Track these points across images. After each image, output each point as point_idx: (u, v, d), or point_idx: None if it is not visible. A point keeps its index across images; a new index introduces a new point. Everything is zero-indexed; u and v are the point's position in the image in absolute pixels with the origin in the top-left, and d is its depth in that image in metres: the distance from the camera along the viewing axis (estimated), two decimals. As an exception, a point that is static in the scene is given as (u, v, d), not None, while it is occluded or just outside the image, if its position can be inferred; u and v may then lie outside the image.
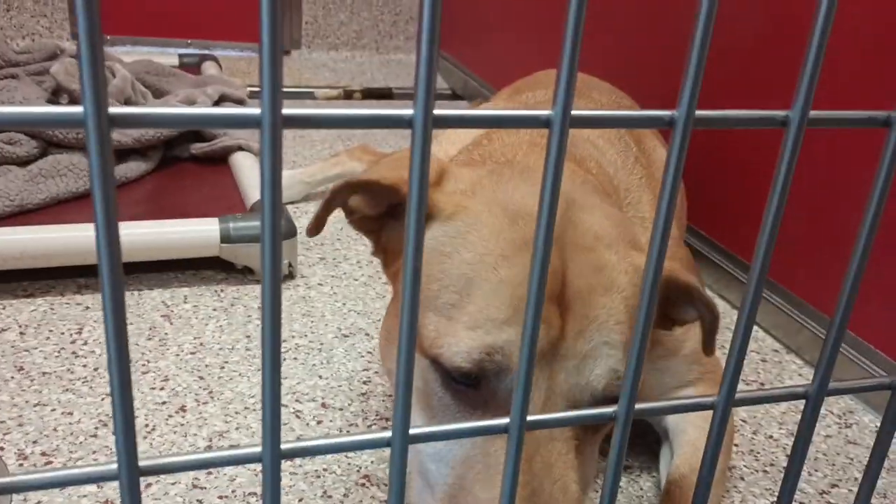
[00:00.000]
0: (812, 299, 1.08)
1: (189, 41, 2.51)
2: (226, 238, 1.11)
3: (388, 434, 0.34)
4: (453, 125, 0.32)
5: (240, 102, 1.63)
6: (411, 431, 0.33)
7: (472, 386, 0.52)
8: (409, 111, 0.30)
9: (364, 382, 0.95)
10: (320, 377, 0.95)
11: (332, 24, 2.64)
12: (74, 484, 0.32)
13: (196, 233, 1.12)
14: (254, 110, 0.28)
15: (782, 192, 0.36)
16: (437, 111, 0.31)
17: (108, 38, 2.43)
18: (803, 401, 0.42)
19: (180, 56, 2.11)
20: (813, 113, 0.37)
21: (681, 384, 0.80)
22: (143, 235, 1.09)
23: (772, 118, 0.37)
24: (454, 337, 0.51)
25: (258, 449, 0.35)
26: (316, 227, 0.62)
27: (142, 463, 0.31)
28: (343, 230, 1.37)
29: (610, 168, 0.77)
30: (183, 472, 0.32)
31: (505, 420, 0.34)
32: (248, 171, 1.35)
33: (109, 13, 2.41)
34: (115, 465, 0.32)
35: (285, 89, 2.48)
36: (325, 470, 0.80)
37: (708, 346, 0.62)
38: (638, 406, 0.37)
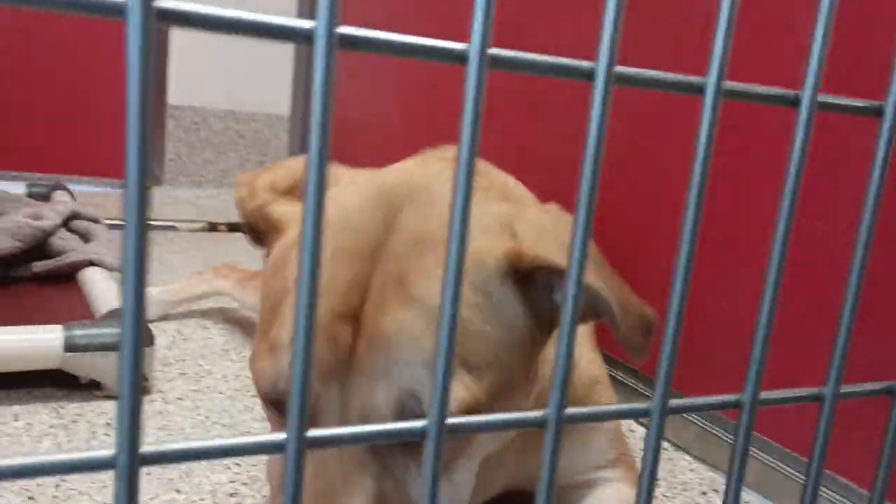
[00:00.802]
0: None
1: (38, 175, 2.38)
2: (71, 346, 0.98)
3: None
4: (362, 47, 0.28)
5: (94, 221, 1.52)
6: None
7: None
8: (309, 23, 0.26)
9: (231, 495, 0.83)
10: (178, 492, 0.82)
11: (197, 162, 2.60)
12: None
13: (36, 341, 0.98)
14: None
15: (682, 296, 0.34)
16: (343, 29, 0.27)
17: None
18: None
19: (28, 185, 1.98)
20: (728, 84, 0.36)
21: (599, 464, 0.75)
22: None
23: (689, 83, 0.36)
24: (262, 362, 0.50)
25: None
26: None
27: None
28: (206, 346, 1.26)
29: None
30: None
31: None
32: (99, 283, 1.23)
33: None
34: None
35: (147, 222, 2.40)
36: None
37: (617, 328, 0.50)
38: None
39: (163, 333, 1.30)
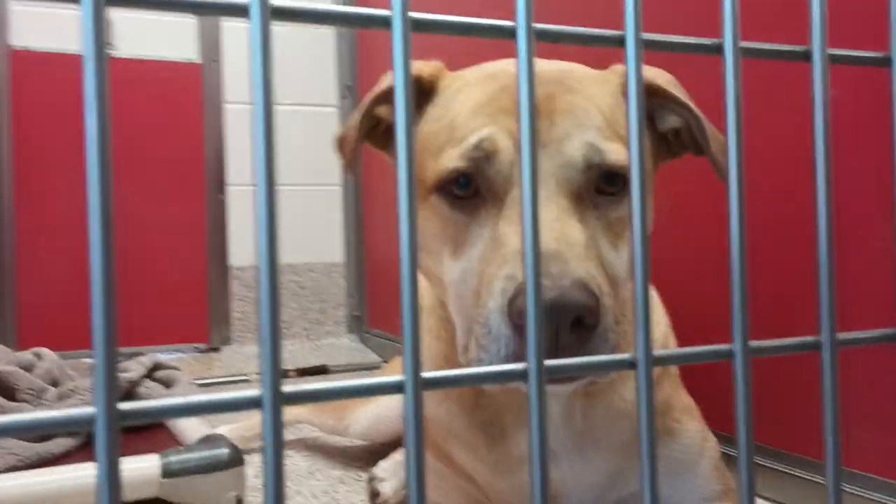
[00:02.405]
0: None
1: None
2: (168, 472, 1.02)
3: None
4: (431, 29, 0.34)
5: (175, 369, 1.59)
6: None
7: (469, 190, 0.62)
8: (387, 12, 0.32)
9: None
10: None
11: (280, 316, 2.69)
12: (47, 429, 0.28)
13: (134, 470, 1.02)
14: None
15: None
16: (415, 14, 0.33)
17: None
18: None
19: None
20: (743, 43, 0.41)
21: (706, 496, 0.74)
22: (72, 479, 0.99)
23: (707, 45, 0.41)
24: (447, 155, 0.62)
25: (256, 392, 0.31)
26: (350, 150, 0.71)
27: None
28: (292, 471, 1.28)
29: None
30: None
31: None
32: (185, 421, 1.27)
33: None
34: (91, 410, 0.28)
35: (218, 379, 2.41)
36: None
37: (706, 149, 0.67)
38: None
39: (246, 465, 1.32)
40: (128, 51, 2.52)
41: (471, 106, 0.63)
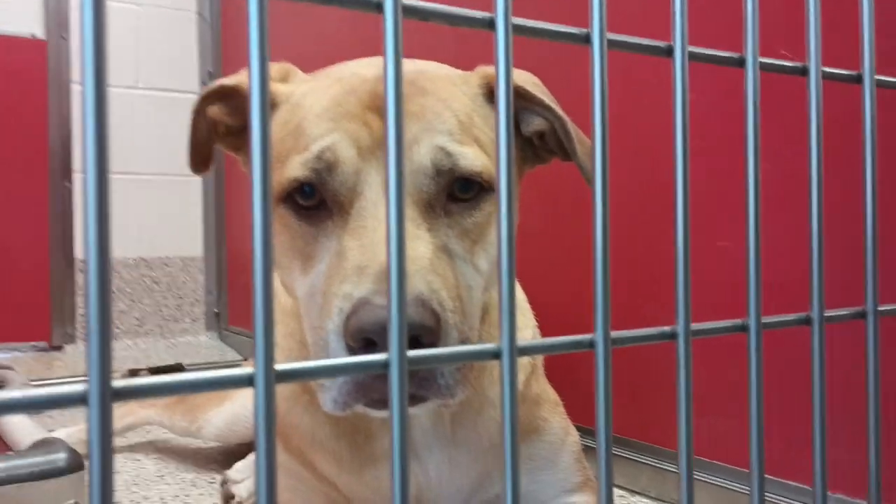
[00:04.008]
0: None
1: (-59, 347, 2.26)
2: (-7, 481, 0.92)
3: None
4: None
5: (8, 368, 1.46)
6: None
7: (314, 200, 0.58)
8: None
9: None
10: None
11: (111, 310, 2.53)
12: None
13: (-48, 480, 0.92)
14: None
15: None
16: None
17: None
18: None
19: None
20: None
21: (567, 488, 0.75)
22: None
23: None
24: (291, 163, 0.59)
25: (82, 387, 0.28)
26: (196, 154, 0.69)
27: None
28: (139, 475, 1.20)
29: None
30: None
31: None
32: (15, 422, 1.17)
33: None
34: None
35: (59, 380, 2.27)
36: None
37: (572, 153, 0.65)
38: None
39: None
40: (-41, 22, 2.29)
41: (317, 110, 0.60)
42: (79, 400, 0.28)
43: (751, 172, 0.45)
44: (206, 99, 0.67)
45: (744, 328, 0.45)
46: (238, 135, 0.69)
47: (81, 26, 0.26)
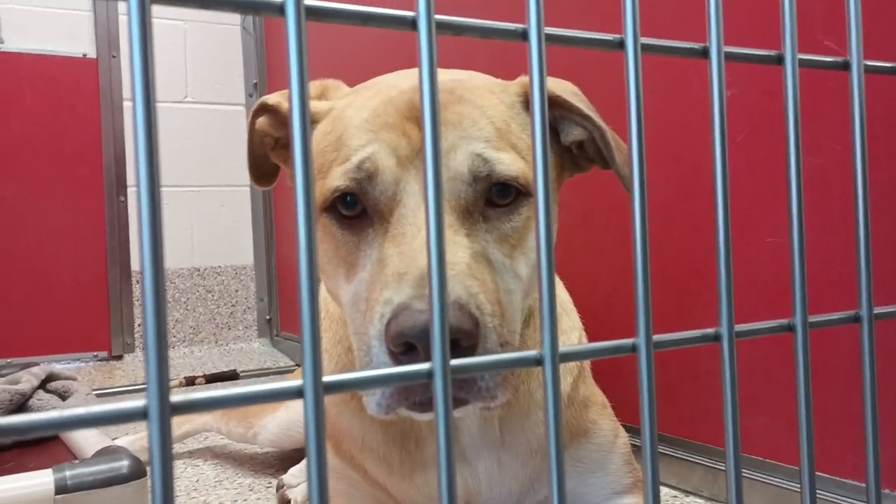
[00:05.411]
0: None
1: (8, 360, 2.35)
2: (62, 488, 0.96)
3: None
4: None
5: (71, 379, 1.51)
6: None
7: (356, 210, 0.60)
8: None
9: None
10: None
11: (167, 323, 2.60)
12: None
13: (23, 488, 0.96)
14: (295, 383, 0.31)
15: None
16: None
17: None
18: None
19: (-1, 366, 1.96)
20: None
21: (617, 490, 0.75)
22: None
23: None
24: (333, 174, 0.60)
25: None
26: (255, 167, 0.73)
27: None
28: (199, 481, 1.23)
29: None
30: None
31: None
32: (81, 433, 1.21)
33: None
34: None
35: (121, 389, 2.32)
36: None
37: (611, 162, 0.65)
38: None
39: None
40: (15, 45, 2.38)
41: (356, 122, 0.62)
42: (139, 415, 0.29)
43: (792, 170, 0.45)
44: (256, 114, 0.70)
45: (790, 328, 0.45)
46: (286, 147, 0.71)
47: (130, 44, 0.27)
